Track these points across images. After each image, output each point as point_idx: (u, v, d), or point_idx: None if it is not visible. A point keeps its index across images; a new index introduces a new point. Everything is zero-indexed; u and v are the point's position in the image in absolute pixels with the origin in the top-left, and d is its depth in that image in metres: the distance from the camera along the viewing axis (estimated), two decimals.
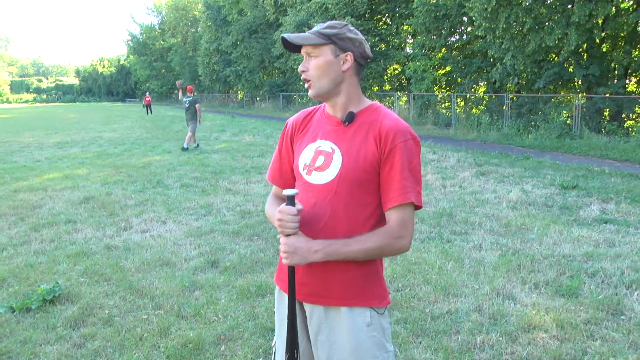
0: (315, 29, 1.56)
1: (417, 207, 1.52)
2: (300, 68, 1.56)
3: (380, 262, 1.62)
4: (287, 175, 1.71)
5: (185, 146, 12.69)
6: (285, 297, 1.63)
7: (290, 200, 1.47)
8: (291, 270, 1.52)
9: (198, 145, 13.29)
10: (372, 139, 1.51)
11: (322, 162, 1.55)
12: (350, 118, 1.55)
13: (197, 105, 13.00)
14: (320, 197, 1.54)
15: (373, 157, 1.50)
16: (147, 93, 36.68)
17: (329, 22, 1.56)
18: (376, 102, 1.63)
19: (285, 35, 1.53)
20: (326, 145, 1.57)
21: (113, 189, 7.70)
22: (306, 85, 1.57)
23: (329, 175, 1.53)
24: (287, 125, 1.73)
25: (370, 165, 1.51)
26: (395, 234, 1.49)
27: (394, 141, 1.49)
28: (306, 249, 1.47)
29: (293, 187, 1.69)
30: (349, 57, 1.53)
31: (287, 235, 1.48)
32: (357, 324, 1.54)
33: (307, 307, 1.62)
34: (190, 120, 13.00)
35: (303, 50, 1.56)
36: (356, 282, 1.55)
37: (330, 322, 1.57)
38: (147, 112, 32.35)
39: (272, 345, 1.77)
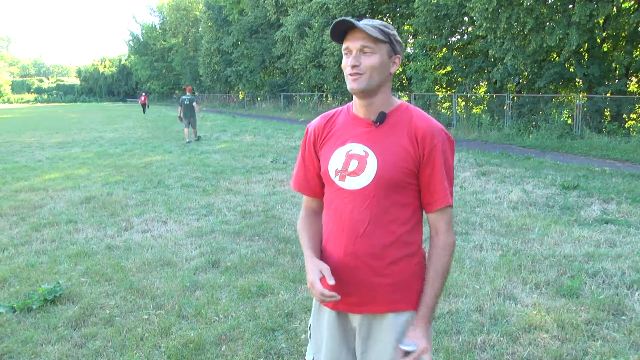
0: (371, 23, 1.44)
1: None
2: (352, 62, 1.43)
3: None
4: (313, 182, 1.65)
5: (190, 140, 14.51)
6: (325, 311, 1.60)
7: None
8: None
9: (199, 138, 15.19)
10: (407, 140, 1.47)
11: (355, 167, 1.48)
12: (381, 118, 1.49)
13: (195, 104, 14.97)
14: (357, 202, 1.48)
15: (411, 159, 1.46)
16: (143, 93, 41.26)
17: (380, 21, 1.47)
18: (404, 101, 1.57)
19: (352, 20, 1.40)
20: (358, 148, 1.50)
21: (114, 189, 7.71)
22: (352, 78, 1.44)
23: (364, 179, 1.47)
24: (308, 130, 1.65)
25: (407, 167, 1.46)
26: (449, 239, 1.51)
27: (432, 142, 1.46)
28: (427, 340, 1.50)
29: (320, 193, 1.65)
30: (398, 60, 1.49)
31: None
32: (402, 329, 1.52)
33: (355, 318, 1.57)
34: (191, 117, 14.62)
35: (357, 44, 1.43)
36: (404, 283, 1.52)
37: (377, 329, 1.54)
38: (144, 110, 35.86)
39: None
